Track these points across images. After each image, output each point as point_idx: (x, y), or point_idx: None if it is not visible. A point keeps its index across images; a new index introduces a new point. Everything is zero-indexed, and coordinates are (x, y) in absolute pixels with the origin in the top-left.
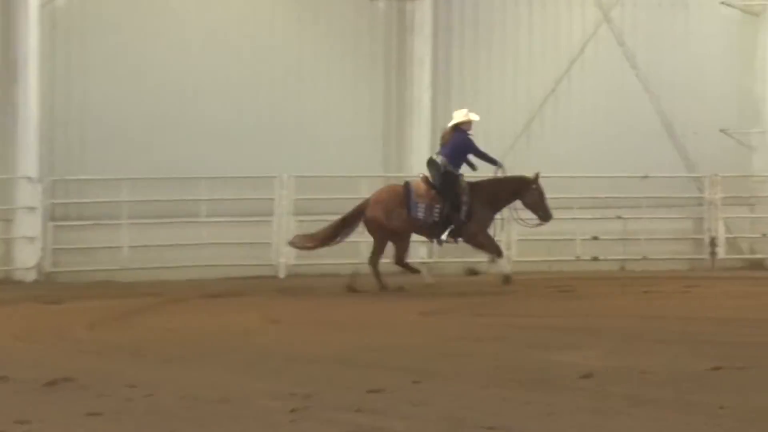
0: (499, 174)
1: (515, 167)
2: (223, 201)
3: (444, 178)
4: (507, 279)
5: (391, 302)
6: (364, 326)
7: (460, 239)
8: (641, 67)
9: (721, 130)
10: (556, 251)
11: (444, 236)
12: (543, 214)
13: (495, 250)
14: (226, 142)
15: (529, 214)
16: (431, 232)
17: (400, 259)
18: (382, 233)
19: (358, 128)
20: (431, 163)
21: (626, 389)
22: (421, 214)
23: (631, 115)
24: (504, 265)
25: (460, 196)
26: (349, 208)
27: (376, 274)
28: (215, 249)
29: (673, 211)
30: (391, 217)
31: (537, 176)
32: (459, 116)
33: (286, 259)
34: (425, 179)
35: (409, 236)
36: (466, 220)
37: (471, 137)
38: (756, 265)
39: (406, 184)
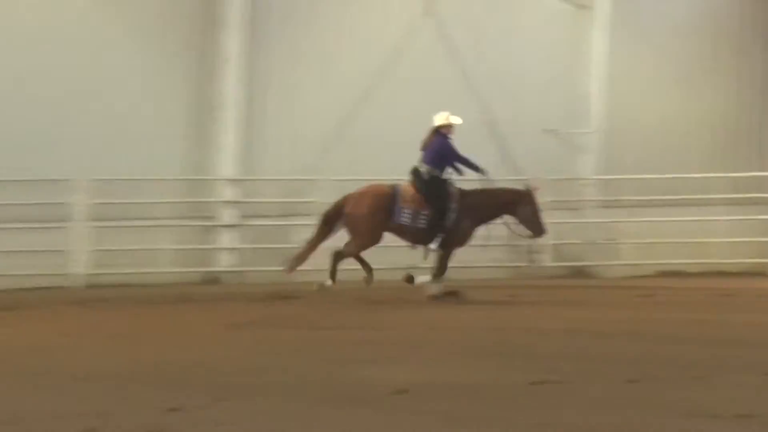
0: (485, 179)
1: (328, 171)
2: (13, 206)
3: (429, 184)
4: (434, 297)
5: (194, 314)
6: (161, 340)
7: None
8: (464, 61)
9: (547, 130)
10: (374, 261)
11: (433, 245)
12: (536, 229)
13: (441, 272)
14: (16, 141)
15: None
16: (416, 238)
17: (344, 255)
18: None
19: (162, 127)
20: (415, 172)
21: (443, 406)
22: (405, 220)
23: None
24: (436, 287)
25: (449, 202)
26: (150, 212)
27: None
28: (4, 257)
29: None
30: (370, 217)
31: (531, 189)
32: (439, 119)
33: (82, 268)
34: (414, 183)
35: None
36: (453, 227)
37: (451, 142)
38: (581, 272)
39: (394, 188)
